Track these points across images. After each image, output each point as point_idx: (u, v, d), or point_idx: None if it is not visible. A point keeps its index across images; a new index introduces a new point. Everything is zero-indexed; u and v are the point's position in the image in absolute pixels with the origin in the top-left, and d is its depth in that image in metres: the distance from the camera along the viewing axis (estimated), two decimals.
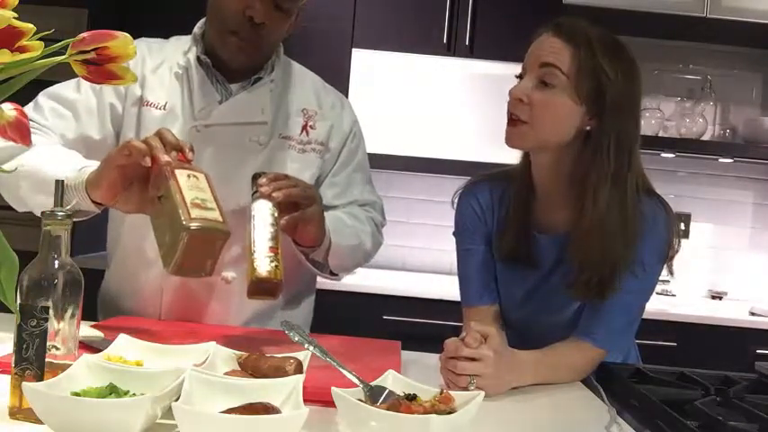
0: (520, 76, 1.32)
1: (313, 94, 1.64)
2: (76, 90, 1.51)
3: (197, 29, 1.58)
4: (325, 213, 1.46)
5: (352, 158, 1.66)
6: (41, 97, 1.51)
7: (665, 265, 1.37)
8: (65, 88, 1.52)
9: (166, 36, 1.63)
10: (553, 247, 1.38)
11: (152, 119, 1.52)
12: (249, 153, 1.53)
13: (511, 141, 1.32)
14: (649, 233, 1.31)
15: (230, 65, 1.53)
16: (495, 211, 1.45)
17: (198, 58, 1.54)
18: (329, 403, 0.92)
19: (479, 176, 1.51)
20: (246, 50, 1.49)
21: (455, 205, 1.51)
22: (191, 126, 1.51)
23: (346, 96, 1.74)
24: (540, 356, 1.27)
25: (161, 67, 1.55)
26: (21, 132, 0.79)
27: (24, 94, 0.81)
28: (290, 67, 1.65)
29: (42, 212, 0.91)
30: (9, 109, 0.78)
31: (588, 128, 1.29)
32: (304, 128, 1.59)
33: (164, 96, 1.53)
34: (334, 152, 1.63)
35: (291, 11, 1.49)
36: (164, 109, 1.53)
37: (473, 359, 1.13)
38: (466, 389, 1.11)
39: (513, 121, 1.30)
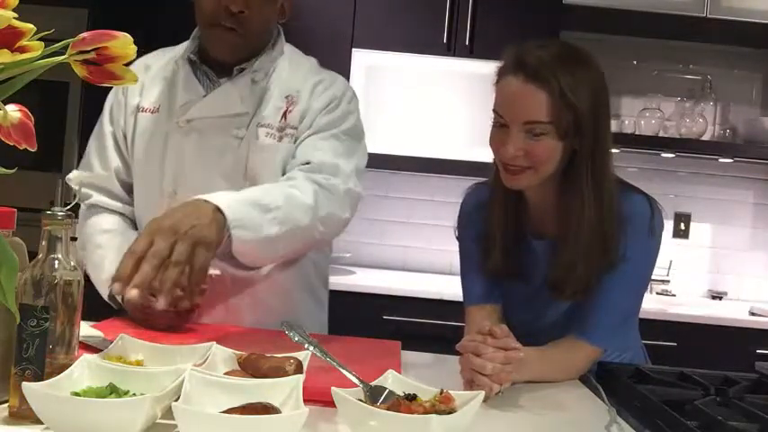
0: (499, 123, 1.33)
1: (302, 78, 1.59)
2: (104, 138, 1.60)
3: (195, 31, 1.59)
4: (246, 194, 1.32)
5: (324, 128, 1.53)
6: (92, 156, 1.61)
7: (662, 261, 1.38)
8: (99, 140, 1.61)
9: (167, 36, 1.63)
10: (547, 251, 1.39)
11: (144, 122, 1.56)
12: (228, 147, 1.51)
13: (516, 184, 1.35)
14: (631, 231, 1.34)
15: (218, 58, 1.53)
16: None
17: (187, 57, 1.55)
18: (329, 403, 0.92)
19: (486, 180, 1.52)
20: (229, 41, 1.49)
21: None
22: (173, 122, 1.53)
23: None
24: (540, 354, 1.28)
25: (158, 72, 1.58)
26: (25, 135, 0.78)
27: (25, 94, 0.81)
28: (285, 54, 1.61)
29: (43, 212, 0.92)
30: (13, 111, 0.78)
31: (573, 148, 1.31)
32: (284, 114, 1.54)
33: (157, 99, 1.56)
34: (302, 129, 1.54)
35: None
36: (157, 111, 1.56)
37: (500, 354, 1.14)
38: (491, 391, 1.11)
39: (513, 170, 1.32)
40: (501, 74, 1.33)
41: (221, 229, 1.22)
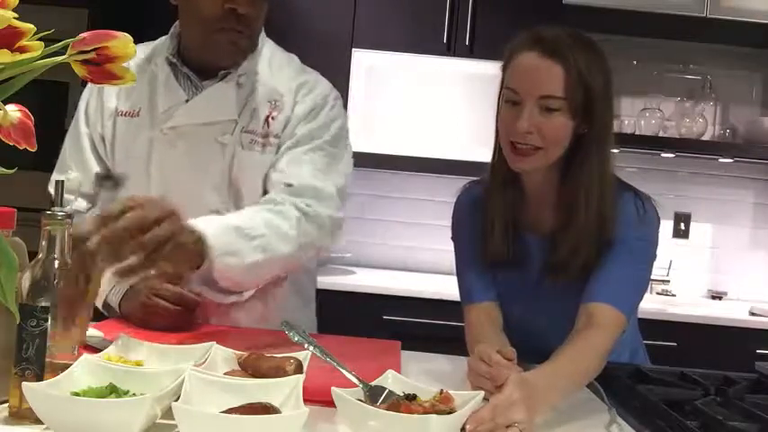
0: (512, 101, 1.32)
1: (285, 80, 1.54)
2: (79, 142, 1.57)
3: (173, 29, 1.55)
4: (230, 220, 1.32)
5: (305, 140, 1.50)
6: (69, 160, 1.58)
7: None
8: (75, 142, 1.58)
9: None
10: (541, 246, 1.39)
11: (124, 127, 1.52)
12: (214, 154, 1.48)
13: (522, 166, 1.34)
14: (621, 222, 1.34)
15: (220, 64, 1.49)
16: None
17: (166, 59, 1.51)
18: (329, 403, 0.92)
19: (479, 179, 1.52)
20: (238, 45, 1.47)
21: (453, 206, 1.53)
22: (157, 129, 1.49)
23: (346, 97, 1.72)
24: (551, 372, 1.17)
25: (135, 72, 1.53)
26: (25, 135, 0.78)
27: (25, 94, 0.81)
28: (268, 55, 1.56)
29: (43, 212, 0.92)
30: (13, 111, 0.78)
31: (580, 132, 1.32)
32: (267, 119, 1.50)
33: (136, 102, 1.52)
34: (284, 138, 1.51)
35: None
36: (137, 115, 1.52)
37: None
38: None
39: (522, 150, 1.31)
40: (514, 51, 1.33)
41: (198, 257, 1.24)
